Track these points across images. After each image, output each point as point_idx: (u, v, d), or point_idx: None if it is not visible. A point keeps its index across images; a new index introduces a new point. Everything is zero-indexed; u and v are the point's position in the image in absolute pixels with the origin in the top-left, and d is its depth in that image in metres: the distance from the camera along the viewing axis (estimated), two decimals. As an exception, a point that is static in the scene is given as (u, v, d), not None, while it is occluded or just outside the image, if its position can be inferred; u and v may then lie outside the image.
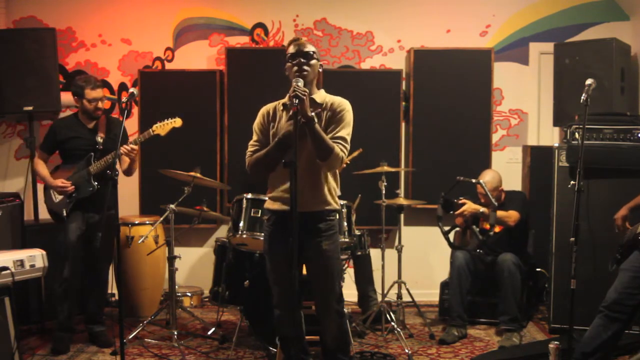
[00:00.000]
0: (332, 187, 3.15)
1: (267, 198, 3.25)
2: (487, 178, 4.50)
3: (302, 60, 3.01)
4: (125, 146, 3.97)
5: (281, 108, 3.12)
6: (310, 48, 3.06)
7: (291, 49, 3.07)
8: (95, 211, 4.15)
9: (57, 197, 4.15)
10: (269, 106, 3.19)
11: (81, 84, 4.14)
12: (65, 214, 4.11)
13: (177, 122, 4.14)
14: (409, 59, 5.38)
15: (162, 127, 4.10)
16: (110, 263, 4.31)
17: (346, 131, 3.05)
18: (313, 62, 3.05)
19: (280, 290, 3.12)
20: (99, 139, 4.15)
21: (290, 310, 3.04)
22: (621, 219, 3.57)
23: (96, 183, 4.08)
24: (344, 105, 3.10)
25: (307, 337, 3.30)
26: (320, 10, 5.51)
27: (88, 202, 4.12)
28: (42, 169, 4.22)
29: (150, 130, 4.08)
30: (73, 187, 4.08)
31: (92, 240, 4.15)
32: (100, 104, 4.15)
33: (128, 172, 4.24)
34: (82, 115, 4.21)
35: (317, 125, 2.89)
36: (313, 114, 2.88)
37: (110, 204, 4.08)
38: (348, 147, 3.04)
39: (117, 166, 3.65)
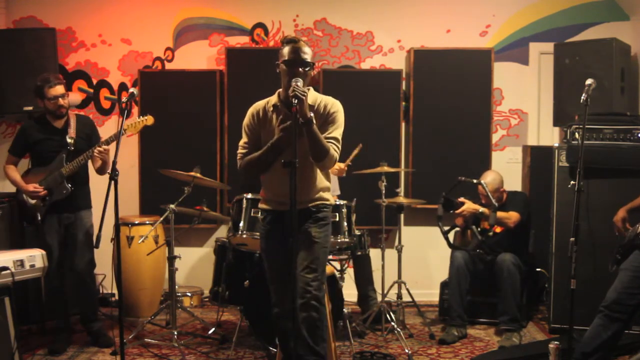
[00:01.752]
0: (324, 184, 3.15)
1: (261, 198, 3.25)
2: (488, 179, 4.49)
3: (300, 70, 2.96)
4: (97, 147, 3.94)
5: (271, 109, 3.09)
6: (307, 55, 2.99)
7: (287, 54, 3.00)
8: (71, 211, 4.11)
9: (30, 201, 4.08)
10: (259, 105, 3.16)
11: (39, 84, 4.04)
12: (39, 217, 4.06)
13: (149, 120, 4.11)
14: (409, 59, 5.38)
15: (133, 126, 4.06)
16: (91, 262, 4.23)
17: (338, 132, 3.06)
18: (309, 70, 3.00)
19: (278, 288, 3.11)
20: (69, 140, 4.08)
21: (289, 307, 3.00)
22: (620, 221, 3.56)
23: (69, 185, 4.04)
24: (336, 106, 3.09)
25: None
26: (320, 10, 5.51)
27: (63, 204, 4.07)
28: (13, 173, 4.14)
29: (121, 130, 4.05)
30: (46, 191, 4.03)
31: (67, 241, 4.11)
32: (61, 101, 4.05)
33: (101, 172, 4.14)
34: (49, 116, 4.13)
35: (314, 127, 2.89)
36: (311, 114, 2.88)
37: (86, 203, 4.14)
38: (340, 147, 3.06)
39: (117, 166, 3.63)
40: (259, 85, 5.17)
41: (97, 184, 4.23)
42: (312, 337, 3.01)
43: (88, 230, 4.14)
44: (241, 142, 3.17)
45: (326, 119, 3.05)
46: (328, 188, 3.18)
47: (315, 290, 3.01)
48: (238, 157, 3.15)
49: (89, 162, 4.14)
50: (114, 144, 3.91)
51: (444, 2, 5.51)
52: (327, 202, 3.15)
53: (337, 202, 3.85)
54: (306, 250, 3.05)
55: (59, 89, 4.04)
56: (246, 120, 3.17)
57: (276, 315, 3.16)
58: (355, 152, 4.62)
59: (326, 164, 3.00)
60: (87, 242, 4.13)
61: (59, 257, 4.11)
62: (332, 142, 3.00)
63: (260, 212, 3.26)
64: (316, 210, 3.09)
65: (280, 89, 3.10)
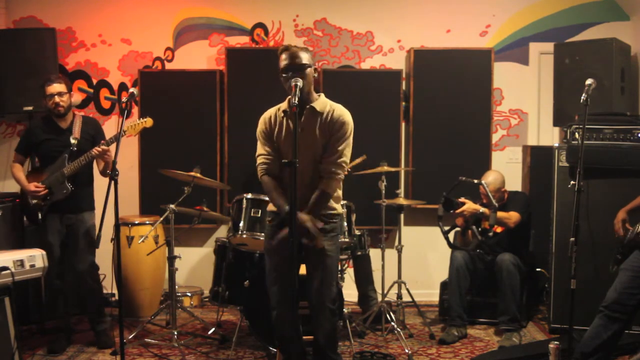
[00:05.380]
0: (336, 193, 3.17)
1: (267, 198, 3.26)
2: (489, 179, 4.49)
3: (295, 73, 2.96)
4: (97, 147, 3.94)
5: (282, 115, 3.11)
6: (302, 58, 3.00)
7: (283, 61, 3.02)
8: (73, 212, 4.10)
9: (33, 200, 4.09)
10: (270, 112, 3.18)
11: (42, 83, 4.09)
12: (40, 217, 4.07)
13: (148, 122, 4.07)
14: (409, 59, 5.38)
15: (133, 128, 4.04)
16: (93, 264, 4.23)
17: (348, 150, 3.09)
18: (307, 71, 3.01)
19: (278, 290, 3.12)
20: (73, 140, 4.07)
21: (289, 310, 3.03)
22: (620, 222, 3.56)
23: (70, 185, 4.03)
24: (345, 116, 3.08)
25: (303, 338, 3.30)
26: (320, 10, 5.51)
27: (64, 204, 4.07)
28: (18, 172, 4.14)
29: (122, 130, 4.05)
30: (46, 190, 4.04)
31: (68, 242, 4.11)
32: (57, 99, 4.03)
33: (104, 173, 4.13)
34: (53, 115, 4.13)
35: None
36: (319, 227, 3.01)
37: (89, 205, 4.12)
38: (347, 166, 3.10)
39: (117, 166, 3.63)
40: (259, 85, 5.21)
41: (98, 183, 4.25)
42: (328, 346, 3.16)
43: (89, 231, 4.13)
44: (259, 151, 3.18)
45: (334, 127, 3.04)
46: (339, 197, 3.20)
47: (330, 303, 3.12)
48: (259, 169, 3.17)
49: (94, 164, 4.14)
50: (114, 145, 3.89)
51: (444, 2, 5.51)
52: (337, 212, 3.17)
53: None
54: (319, 264, 3.10)
55: (56, 87, 4.04)
56: (259, 128, 3.18)
57: (276, 319, 3.17)
58: (358, 161, 4.62)
59: (333, 194, 3.10)
60: (88, 243, 4.11)
61: (60, 257, 4.10)
62: (339, 163, 3.04)
63: (268, 214, 3.27)
64: (325, 219, 3.10)
65: (289, 96, 3.10)
